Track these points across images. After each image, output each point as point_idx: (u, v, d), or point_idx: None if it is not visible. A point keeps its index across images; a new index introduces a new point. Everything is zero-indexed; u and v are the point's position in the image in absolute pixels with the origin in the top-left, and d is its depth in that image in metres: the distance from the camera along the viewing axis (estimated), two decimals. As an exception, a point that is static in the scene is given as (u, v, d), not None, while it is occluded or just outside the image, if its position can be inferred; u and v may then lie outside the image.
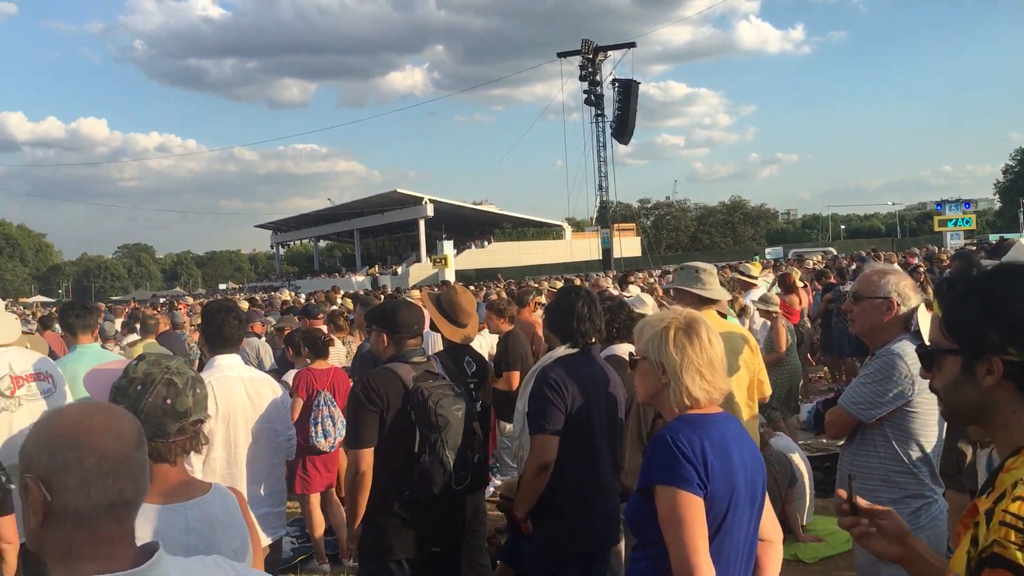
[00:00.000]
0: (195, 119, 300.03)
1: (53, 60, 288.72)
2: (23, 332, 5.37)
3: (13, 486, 1.32)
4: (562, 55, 57.85)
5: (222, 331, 3.83)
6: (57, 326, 12.45)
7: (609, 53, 57.32)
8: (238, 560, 1.87)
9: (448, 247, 50.42)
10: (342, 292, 19.19)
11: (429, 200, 64.11)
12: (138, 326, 8.47)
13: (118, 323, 13.27)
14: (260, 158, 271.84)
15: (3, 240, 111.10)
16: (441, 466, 3.50)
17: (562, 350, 3.73)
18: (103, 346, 6.18)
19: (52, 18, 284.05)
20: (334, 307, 12.23)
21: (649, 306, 6.39)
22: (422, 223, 64.79)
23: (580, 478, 3.57)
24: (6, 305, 4.66)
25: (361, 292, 21.75)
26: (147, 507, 1.97)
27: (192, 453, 2.24)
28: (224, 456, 3.66)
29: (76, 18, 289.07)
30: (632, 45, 57.66)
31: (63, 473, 1.32)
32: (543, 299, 10.20)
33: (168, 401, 2.11)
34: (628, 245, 62.19)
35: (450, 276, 36.16)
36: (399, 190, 65.85)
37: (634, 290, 11.64)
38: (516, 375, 6.21)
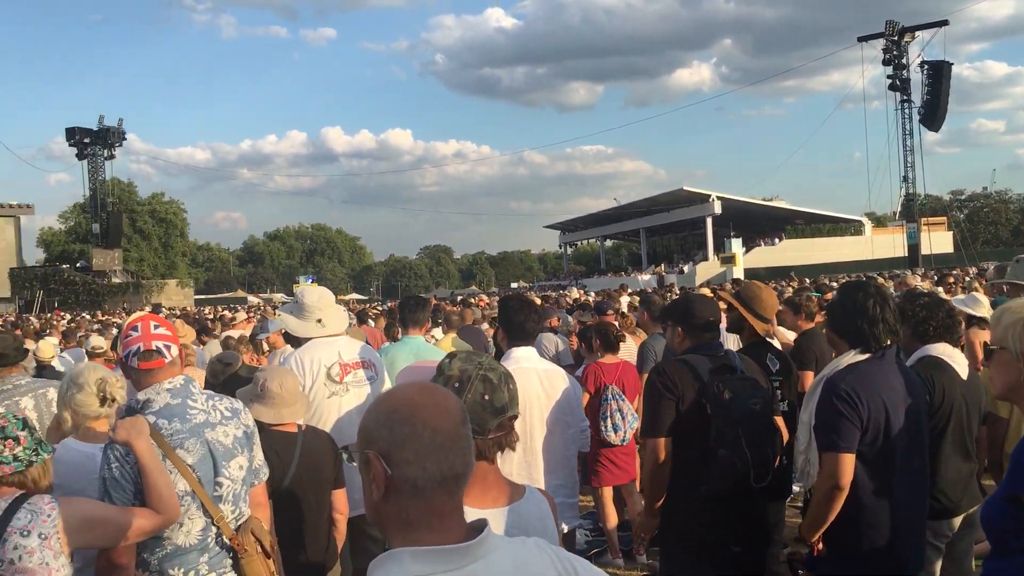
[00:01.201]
0: (489, 126, 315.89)
1: (366, 78, 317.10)
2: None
3: (355, 463, 1.45)
4: (863, 39, 54.28)
5: (523, 325, 3.97)
6: (371, 321, 13.65)
7: (917, 34, 52.99)
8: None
9: (736, 245, 49.12)
10: (628, 290, 19.34)
11: (717, 197, 62.86)
12: (441, 321, 9.02)
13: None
14: (548, 160, 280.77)
15: (324, 243, 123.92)
16: (739, 461, 3.36)
17: (851, 356, 3.34)
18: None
19: (365, 40, 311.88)
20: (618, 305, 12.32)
21: (985, 306, 5.88)
22: (709, 221, 63.66)
23: (879, 498, 3.22)
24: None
25: (648, 291, 21.76)
26: (467, 511, 2.05)
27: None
28: (520, 446, 3.79)
29: (385, 38, 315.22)
30: (944, 23, 52.93)
31: (401, 447, 1.40)
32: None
33: (486, 397, 2.13)
34: (938, 241, 57.18)
35: (739, 274, 35.24)
36: (685, 188, 65.19)
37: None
38: (810, 375, 5.90)
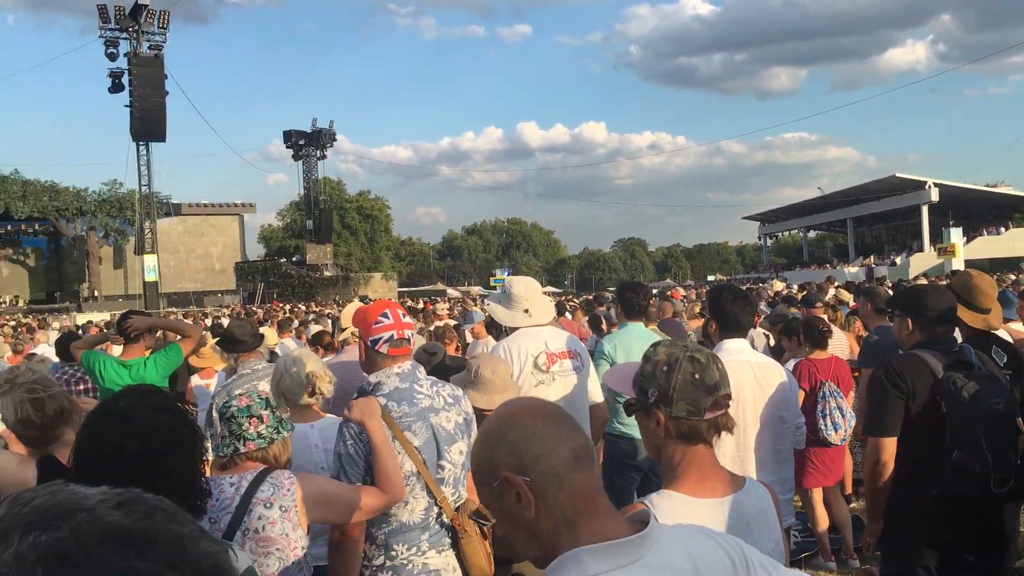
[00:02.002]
0: (684, 116, 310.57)
1: (560, 72, 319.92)
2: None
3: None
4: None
5: (737, 317, 3.87)
6: (567, 313, 13.77)
7: None
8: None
9: (956, 235, 45.72)
10: (836, 283, 18.44)
11: (933, 184, 58.70)
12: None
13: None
14: (747, 150, 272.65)
15: (520, 236, 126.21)
16: (978, 464, 3.12)
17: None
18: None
19: (560, 34, 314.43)
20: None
21: None
22: (925, 209, 59.54)
23: None
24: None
25: (863, 284, 20.66)
26: (685, 500, 2.00)
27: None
28: (733, 440, 3.68)
29: (580, 32, 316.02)
30: None
31: (527, 448, 1.39)
32: None
33: (696, 376, 2.08)
34: None
35: (958, 266, 32.78)
36: (898, 174, 61.27)
37: None
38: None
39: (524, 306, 4.73)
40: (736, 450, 3.74)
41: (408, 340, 3.13)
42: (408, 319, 3.19)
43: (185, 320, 13.90)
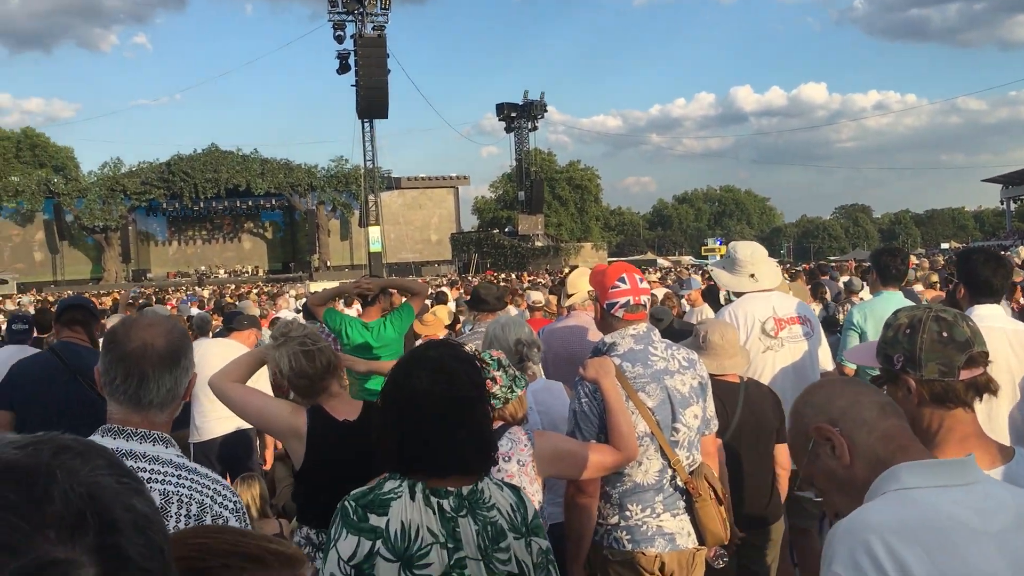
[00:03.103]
0: (914, 73, 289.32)
1: (777, 32, 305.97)
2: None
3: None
4: None
5: (989, 281, 3.59)
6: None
7: None
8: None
9: None
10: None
11: None
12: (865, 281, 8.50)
13: (841, 281, 13.56)
14: (988, 106, 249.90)
15: (732, 204, 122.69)
16: None
17: None
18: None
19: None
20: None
21: None
22: None
23: None
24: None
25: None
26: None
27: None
28: (984, 410, 3.42)
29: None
30: None
31: (831, 404, 1.52)
32: None
33: (944, 334, 1.97)
34: None
35: None
36: None
37: None
38: None
39: (750, 271, 4.61)
40: (988, 422, 3.48)
41: (644, 306, 3.14)
42: (645, 284, 3.19)
43: (414, 280, 14.60)
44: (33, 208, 54.02)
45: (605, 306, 3.15)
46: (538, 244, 56.95)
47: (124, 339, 1.86)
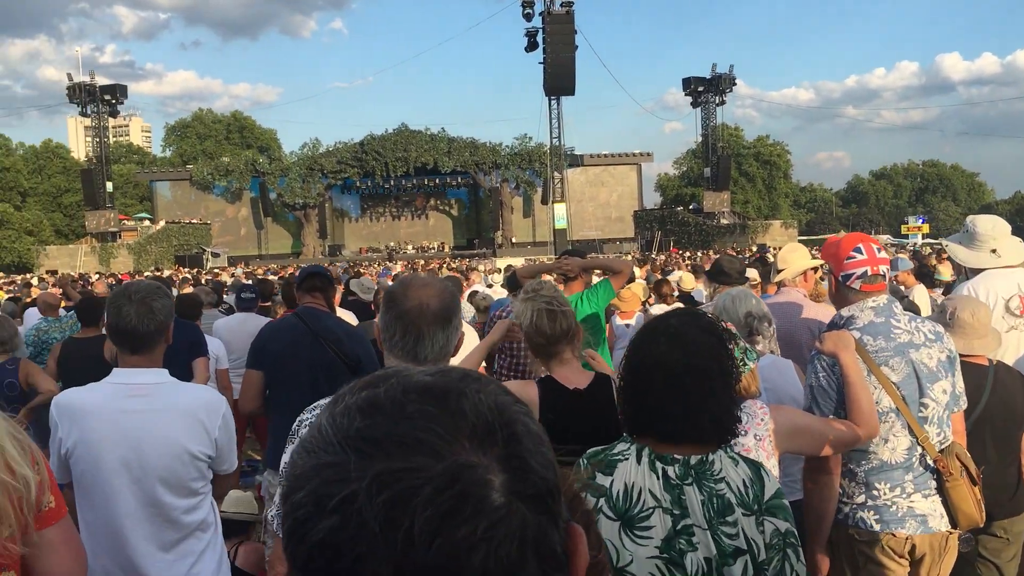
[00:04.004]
0: None
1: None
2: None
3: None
4: None
5: None
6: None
7: None
8: None
9: None
10: None
11: None
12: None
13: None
14: None
15: (936, 180, 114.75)
16: None
17: None
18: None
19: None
20: None
21: None
22: None
23: None
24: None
25: None
26: None
27: None
28: None
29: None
30: None
31: None
32: None
33: None
34: None
35: None
36: None
37: None
38: None
39: (991, 246, 4.31)
40: None
41: (883, 276, 3.01)
42: (883, 254, 3.05)
43: (618, 258, 14.59)
44: (241, 186, 58.02)
45: (840, 278, 3.03)
46: (724, 222, 55.59)
47: (402, 299, 1.97)
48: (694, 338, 1.96)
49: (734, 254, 27.63)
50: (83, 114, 54.40)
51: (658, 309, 8.82)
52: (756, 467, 1.98)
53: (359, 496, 0.60)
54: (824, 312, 5.07)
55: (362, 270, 26.73)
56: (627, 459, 1.93)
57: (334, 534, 0.61)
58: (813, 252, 5.98)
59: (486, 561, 0.60)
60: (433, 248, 56.78)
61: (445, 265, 28.85)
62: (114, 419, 2.67)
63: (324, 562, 0.61)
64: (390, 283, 13.52)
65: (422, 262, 36.24)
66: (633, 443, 1.96)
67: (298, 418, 2.12)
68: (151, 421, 2.68)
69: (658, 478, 1.89)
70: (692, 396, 1.90)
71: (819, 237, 69.32)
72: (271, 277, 19.03)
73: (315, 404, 2.13)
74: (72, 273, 38.31)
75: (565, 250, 6.69)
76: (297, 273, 5.95)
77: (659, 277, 12.81)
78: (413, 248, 57.04)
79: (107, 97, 53.89)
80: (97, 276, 29.24)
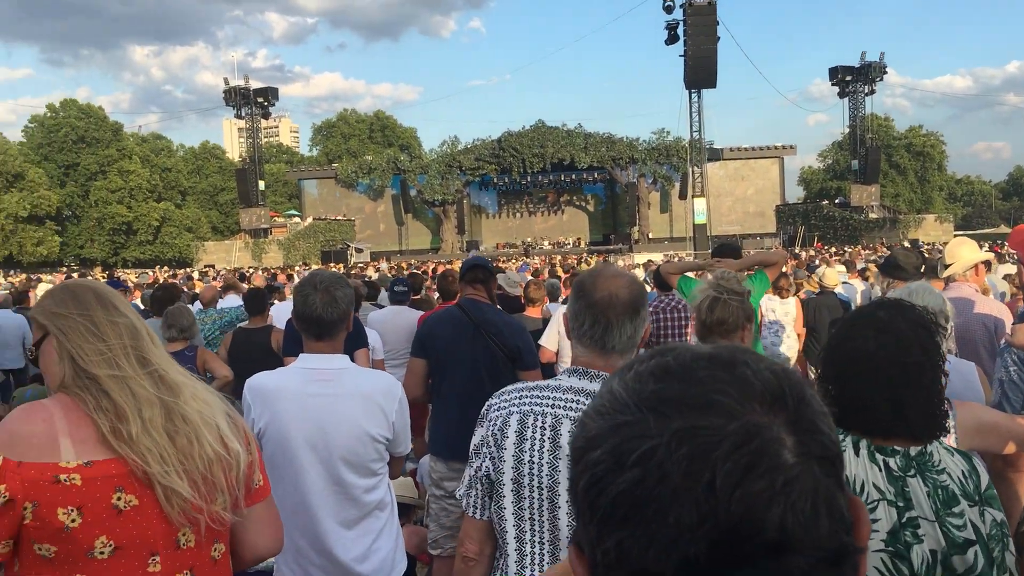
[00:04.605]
0: None
1: None
2: None
3: None
4: None
5: None
6: None
7: None
8: None
9: None
10: None
11: None
12: None
13: None
14: None
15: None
16: None
17: None
18: None
19: None
20: None
21: None
22: None
23: None
24: None
25: None
26: None
27: None
28: None
29: None
30: None
31: None
32: None
33: None
34: None
35: None
36: None
37: None
38: None
39: None
40: None
41: None
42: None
43: (771, 250, 14.29)
44: (383, 184, 59.74)
45: None
46: (872, 216, 53.27)
47: (592, 289, 2.00)
48: (903, 331, 1.90)
49: (881, 247, 26.50)
50: (238, 116, 57.30)
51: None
52: (968, 458, 1.92)
53: (659, 450, 0.65)
54: (996, 307, 4.81)
55: (502, 264, 27.08)
56: (843, 451, 1.89)
57: (636, 486, 0.65)
58: (982, 246, 5.67)
59: (784, 515, 0.63)
60: (568, 243, 56.88)
61: (582, 260, 28.84)
62: (301, 402, 2.82)
63: (626, 511, 0.66)
64: (530, 278, 13.66)
65: (559, 257, 36.30)
66: (847, 434, 1.92)
67: (487, 402, 2.18)
68: (335, 404, 2.82)
69: (880, 470, 1.85)
70: (903, 391, 1.85)
71: (978, 232, 65.55)
72: (416, 271, 19.55)
73: (504, 389, 2.19)
74: (226, 268, 40.46)
75: (719, 246, 6.58)
76: (441, 270, 6.09)
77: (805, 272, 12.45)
78: (549, 243, 57.31)
79: (259, 100, 56.58)
80: (252, 270, 30.79)
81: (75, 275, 31.86)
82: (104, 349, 1.82)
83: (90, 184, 68.37)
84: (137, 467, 1.74)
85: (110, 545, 1.73)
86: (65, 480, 1.70)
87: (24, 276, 35.67)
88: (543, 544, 2.03)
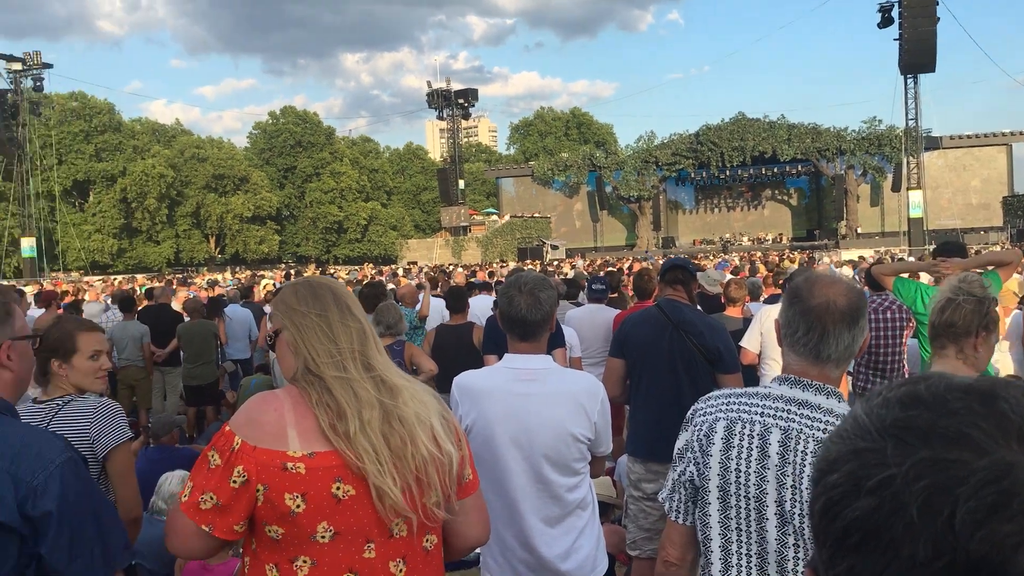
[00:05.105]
0: None
1: None
2: None
3: None
4: None
5: None
6: None
7: None
8: None
9: None
10: None
11: None
12: None
13: None
14: None
15: None
16: None
17: None
18: None
19: None
20: None
21: None
22: None
23: None
24: None
25: None
26: None
27: None
28: None
29: None
30: None
31: None
32: None
33: None
34: None
35: None
36: None
37: None
38: None
39: None
40: None
41: None
42: None
43: (1005, 249, 13.29)
44: (579, 181, 60.14)
45: None
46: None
47: (808, 295, 1.93)
48: None
49: None
50: (439, 118, 59.56)
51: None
52: None
53: (896, 480, 0.64)
54: None
55: (699, 262, 26.59)
56: None
57: (870, 514, 0.64)
58: None
59: None
60: (769, 239, 55.04)
61: (784, 256, 27.81)
62: (506, 400, 2.89)
63: (859, 539, 0.65)
64: (729, 276, 13.30)
65: (759, 253, 35.19)
66: None
67: (692, 407, 2.16)
68: (538, 404, 2.87)
69: None
70: None
71: None
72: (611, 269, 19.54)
73: (710, 394, 2.15)
74: (427, 264, 42.09)
75: (942, 244, 6.15)
76: (637, 267, 6.04)
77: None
78: (748, 240, 55.69)
79: (460, 101, 58.50)
80: (452, 267, 31.88)
81: (292, 273, 34.23)
82: (335, 352, 1.94)
83: (305, 186, 73.19)
84: (352, 464, 1.85)
85: (330, 531, 1.84)
86: (291, 468, 1.83)
87: (249, 273, 38.73)
88: (750, 556, 1.98)
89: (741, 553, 2.00)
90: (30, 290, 16.00)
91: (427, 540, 1.98)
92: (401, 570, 1.92)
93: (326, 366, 1.92)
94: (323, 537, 1.84)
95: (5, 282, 35.05)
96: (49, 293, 12.16)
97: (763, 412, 1.98)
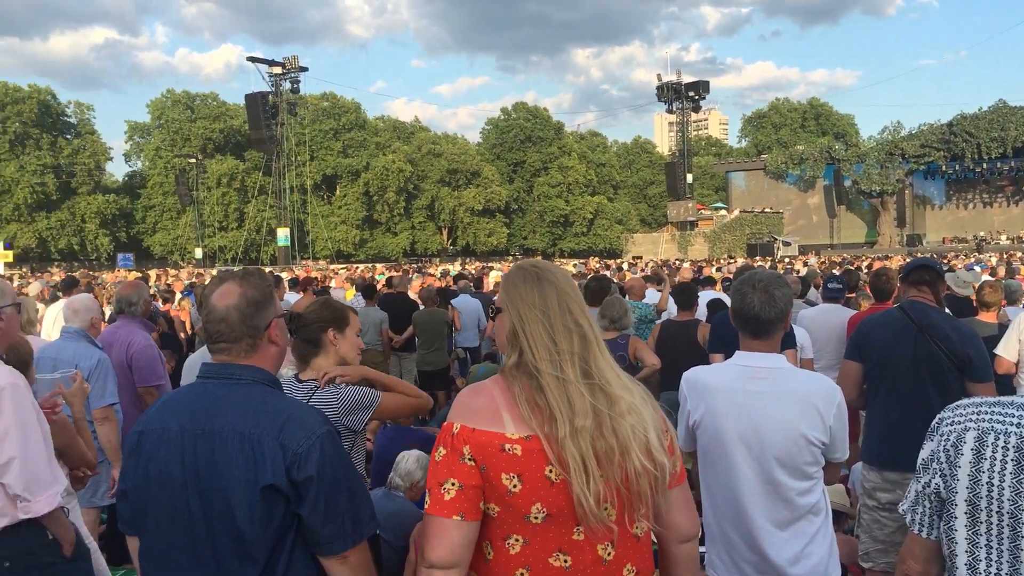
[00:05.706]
0: None
1: None
2: None
3: None
4: None
5: None
6: None
7: None
8: None
9: None
10: None
11: None
12: None
13: None
14: None
15: None
16: None
17: None
18: None
19: None
20: None
21: None
22: None
23: None
24: None
25: None
26: None
27: None
28: None
29: None
30: None
31: None
32: None
33: None
34: None
35: None
36: None
37: None
38: None
39: None
40: None
41: None
42: None
43: None
44: (815, 174, 57.51)
45: None
46: None
47: None
48: None
49: None
50: (668, 111, 58.92)
51: None
52: None
53: None
54: None
55: (953, 262, 24.68)
56: None
57: None
58: None
59: None
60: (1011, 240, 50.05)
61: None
62: (736, 398, 2.86)
63: None
64: (987, 277, 12.23)
65: (1019, 254, 32.07)
66: None
67: (938, 416, 2.05)
68: (769, 403, 2.82)
69: None
70: None
71: None
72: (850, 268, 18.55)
73: (959, 403, 2.03)
74: (653, 259, 41.80)
75: None
76: (876, 266, 5.71)
77: None
78: (1008, 238, 50.88)
79: (690, 94, 57.59)
80: (677, 262, 31.45)
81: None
82: (553, 351, 1.98)
83: (534, 180, 74.92)
84: (558, 462, 1.89)
85: (543, 512, 1.90)
86: (508, 449, 1.91)
87: (479, 264, 40.17)
88: (1000, 576, 1.87)
89: (991, 572, 1.88)
90: (285, 276, 17.44)
91: (637, 527, 2.00)
92: (609, 553, 1.95)
93: (544, 362, 1.96)
94: (536, 518, 1.91)
95: (264, 269, 38.42)
96: (306, 279, 13.29)
97: (1020, 423, 1.85)
